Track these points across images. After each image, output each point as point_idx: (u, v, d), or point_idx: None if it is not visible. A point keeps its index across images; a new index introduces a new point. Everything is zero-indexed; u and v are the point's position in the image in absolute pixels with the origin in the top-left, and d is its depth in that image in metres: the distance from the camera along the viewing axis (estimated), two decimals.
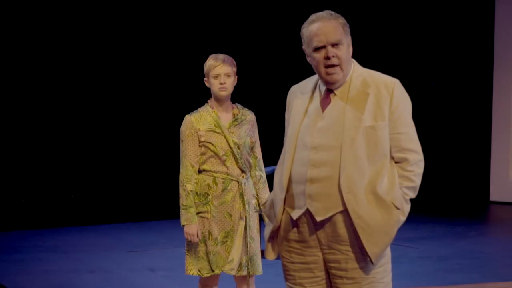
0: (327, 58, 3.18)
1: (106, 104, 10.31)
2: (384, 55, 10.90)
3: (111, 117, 10.35)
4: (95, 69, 10.20)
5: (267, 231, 3.36)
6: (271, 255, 3.36)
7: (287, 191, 3.26)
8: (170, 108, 10.66)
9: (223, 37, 10.57)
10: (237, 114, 4.58)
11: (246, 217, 4.52)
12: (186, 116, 4.58)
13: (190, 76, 10.62)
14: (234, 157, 4.49)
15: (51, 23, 9.84)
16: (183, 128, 4.56)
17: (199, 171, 4.55)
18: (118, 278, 6.63)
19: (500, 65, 11.30)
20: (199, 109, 4.60)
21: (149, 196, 10.60)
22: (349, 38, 3.24)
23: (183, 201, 4.52)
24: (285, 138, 3.36)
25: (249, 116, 4.63)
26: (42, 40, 9.81)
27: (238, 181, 4.51)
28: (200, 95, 11.40)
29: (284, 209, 3.28)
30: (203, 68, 4.63)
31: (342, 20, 3.23)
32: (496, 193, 11.37)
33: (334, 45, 3.18)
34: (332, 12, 3.25)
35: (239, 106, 4.66)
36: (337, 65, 3.19)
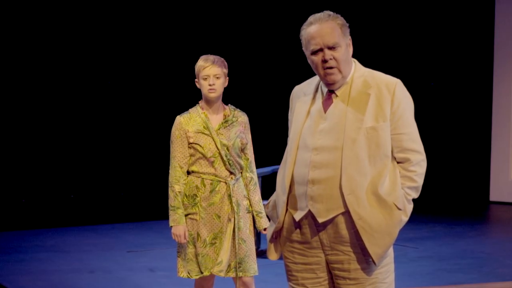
0: (325, 61, 3.18)
1: (106, 104, 10.31)
2: (384, 55, 10.90)
3: (111, 117, 10.35)
4: (95, 69, 10.21)
5: (269, 231, 3.36)
6: (273, 255, 3.37)
7: (290, 192, 3.26)
8: (169, 108, 10.66)
9: (222, 38, 10.57)
10: (228, 116, 4.53)
11: (234, 218, 4.47)
12: (177, 117, 4.58)
13: (190, 76, 10.63)
14: (222, 159, 4.45)
15: (51, 23, 9.84)
16: (173, 129, 4.56)
17: (188, 173, 4.54)
18: (118, 278, 6.63)
19: (500, 65, 11.29)
20: (190, 110, 4.59)
21: (149, 196, 10.59)
22: (349, 38, 3.23)
23: (171, 202, 4.53)
24: (288, 139, 3.36)
25: (241, 118, 4.57)
26: (42, 40, 9.81)
27: (226, 183, 4.47)
28: (199, 95, 11.43)
29: (286, 210, 3.28)
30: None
31: (340, 21, 3.22)
32: (496, 193, 11.36)
33: (331, 47, 3.18)
34: (331, 13, 3.23)
35: (232, 107, 4.62)
36: (334, 67, 3.19)
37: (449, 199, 11.42)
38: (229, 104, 4.65)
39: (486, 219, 10.82)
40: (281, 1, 11.02)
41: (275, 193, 3.35)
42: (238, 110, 4.62)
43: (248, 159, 4.59)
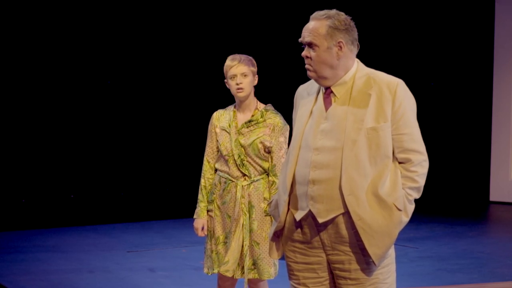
0: (305, 57, 3.25)
1: (106, 104, 10.31)
2: (384, 55, 10.90)
3: (111, 117, 10.35)
4: (95, 69, 10.21)
5: (271, 230, 3.37)
6: (274, 254, 3.38)
7: (291, 191, 3.27)
8: (170, 108, 10.66)
9: (222, 38, 10.57)
10: (255, 116, 4.46)
11: (244, 220, 4.44)
12: (215, 112, 4.59)
13: (189, 75, 10.62)
14: (234, 158, 4.45)
15: (51, 23, 9.84)
16: (209, 122, 4.57)
17: (216, 169, 4.55)
18: (118, 278, 6.63)
19: (500, 65, 11.30)
20: (228, 106, 4.57)
21: (149, 196, 10.59)
22: (338, 41, 3.21)
23: (198, 194, 4.54)
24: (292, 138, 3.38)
25: (270, 120, 4.44)
26: (42, 40, 9.80)
27: (236, 184, 4.45)
28: (199, 95, 11.41)
29: (288, 209, 3.29)
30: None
31: (331, 22, 3.21)
32: (496, 193, 11.36)
33: (309, 45, 3.21)
34: (331, 13, 3.24)
35: (268, 107, 4.51)
36: (309, 65, 3.23)
37: (449, 199, 11.42)
38: (269, 104, 4.55)
39: (486, 219, 10.82)
40: (285, 2, 11.02)
41: (277, 192, 3.36)
42: (273, 111, 4.50)
43: (272, 162, 4.45)
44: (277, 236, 3.36)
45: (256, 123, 4.45)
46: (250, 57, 4.52)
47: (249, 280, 4.53)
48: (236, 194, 4.44)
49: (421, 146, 3.24)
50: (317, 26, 3.21)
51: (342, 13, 3.28)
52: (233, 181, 4.45)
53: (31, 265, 7.12)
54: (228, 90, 4.54)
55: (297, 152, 3.27)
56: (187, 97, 10.59)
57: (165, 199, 10.60)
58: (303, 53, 3.23)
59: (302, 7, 10.11)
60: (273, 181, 4.45)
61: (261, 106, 4.52)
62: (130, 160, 10.48)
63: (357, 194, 3.13)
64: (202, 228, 4.54)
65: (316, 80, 3.27)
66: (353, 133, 3.16)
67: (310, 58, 3.22)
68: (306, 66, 3.25)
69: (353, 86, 3.24)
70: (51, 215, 9.65)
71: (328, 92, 3.27)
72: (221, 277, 4.58)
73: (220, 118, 4.53)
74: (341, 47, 3.21)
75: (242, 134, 4.44)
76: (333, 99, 3.25)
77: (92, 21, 10.09)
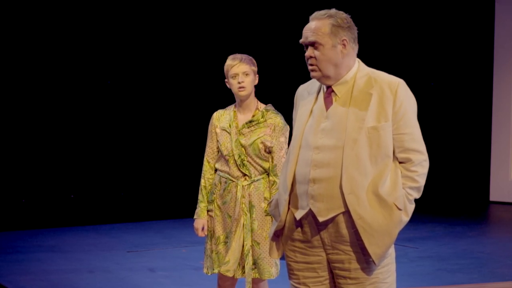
0: (308, 57, 3.24)
1: (106, 104, 10.31)
2: (384, 55, 10.90)
3: (111, 117, 10.35)
4: (95, 69, 10.21)
5: (271, 230, 3.37)
6: (275, 254, 3.39)
7: (292, 191, 3.27)
8: (170, 108, 10.66)
9: (222, 37, 10.56)
10: (255, 116, 4.47)
11: (245, 220, 4.44)
12: (215, 112, 4.59)
13: (189, 75, 10.62)
14: (234, 158, 4.45)
15: (51, 23, 9.84)
16: (209, 123, 4.57)
17: (216, 169, 4.55)
18: (118, 278, 6.63)
19: (500, 65, 11.29)
20: (228, 107, 4.57)
21: (149, 196, 10.59)
22: (342, 38, 3.22)
23: (198, 195, 4.55)
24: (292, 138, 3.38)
25: (271, 120, 4.46)
26: (42, 40, 9.81)
27: (237, 184, 4.45)
28: (199, 95, 11.41)
29: (288, 208, 3.29)
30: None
31: (334, 21, 3.22)
32: (496, 193, 11.36)
33: (312, 45, 3.21)
34: (332, 12, 3.25)
35: (269, 107, 4.52)
36: (314, 65, 3.22)
37: (449, 199, 11.42)
38: (269, 104, 4.56)
39: (486, 219, 10.82)
40: (285, 2, 11.02)
41: (277, 192, 3.36)
42: (274, 111, 4.51)
43: (273, 162, 4.45)
44: (277, 235, 3.36)
45: (257, 123, 4.46)
46: (251, 57, 4.53)
47: (253, 280, 4.53)
48: (236, 194, 4.44)
49: (422, 146, 3.25)
50: (319, 25, 3.21)
51: (342, 12, 3.29)
52: (233, 181, 4.45)
53: (31, 265, 7.12)
54: (228, 90, 4.54)
55: (297, 152, 3.27)
56: (187, 97, 10.59)
57: (165, 199, 10.60)
58: (307, 54, 3.23)
59: (302, 7, 10.11)
60: (274, 181, 4.45)
61: (262, 106, 4.53)
62: (130, 160, 10.48)
63: (358, 193, 3.13)
64: (202, 228, 4.54)
65: (319, 79, 3.27)
66: (354, 132, 3.16)
67: (315, 57, 3.22)
68: (310, 67, 3.23)
69: (354, 86, 3.24)
70: (51, 215, 9.65)
71: (329, 91, 3.28)
72: (221, 277, 4.58)
73: (220, 118, 4.53)
74: (345, 45, 3.23)
75: (243, 134, 4.45)
76: (334, 99, 3.26)
77: (92, 21, 10.09)
